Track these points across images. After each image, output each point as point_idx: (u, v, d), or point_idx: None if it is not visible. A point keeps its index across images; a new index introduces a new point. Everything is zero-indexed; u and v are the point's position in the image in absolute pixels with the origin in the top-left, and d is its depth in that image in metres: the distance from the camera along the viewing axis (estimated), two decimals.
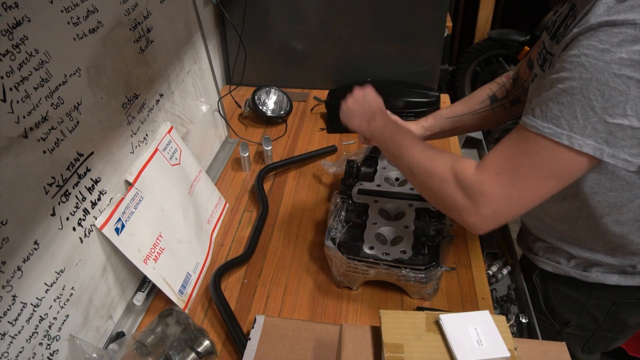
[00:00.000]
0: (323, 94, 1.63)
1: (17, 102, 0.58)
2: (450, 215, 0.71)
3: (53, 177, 0.67)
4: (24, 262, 0.62)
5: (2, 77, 0.56)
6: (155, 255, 0.87)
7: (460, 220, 0.68)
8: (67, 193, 0.70)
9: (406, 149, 0.76)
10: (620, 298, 0.87)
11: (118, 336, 0.84)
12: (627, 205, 0.75)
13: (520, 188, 0.63)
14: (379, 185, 1.06)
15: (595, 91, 0.56)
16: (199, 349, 0.77)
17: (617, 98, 0.55)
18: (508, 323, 0.62)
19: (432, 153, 0.73)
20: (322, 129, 1.48)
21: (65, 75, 0.68)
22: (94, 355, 0.74)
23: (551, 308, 0.97)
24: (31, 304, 0.64)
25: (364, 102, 0.90)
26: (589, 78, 0.56)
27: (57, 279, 0.69)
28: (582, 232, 0.82)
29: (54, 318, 0.69)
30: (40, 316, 0.66)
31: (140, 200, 0.87)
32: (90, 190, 0.75)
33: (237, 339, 0.82)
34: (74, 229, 0.72)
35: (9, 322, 0.60)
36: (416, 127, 1.06)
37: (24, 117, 0.60)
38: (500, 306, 0.98)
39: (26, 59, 0.59)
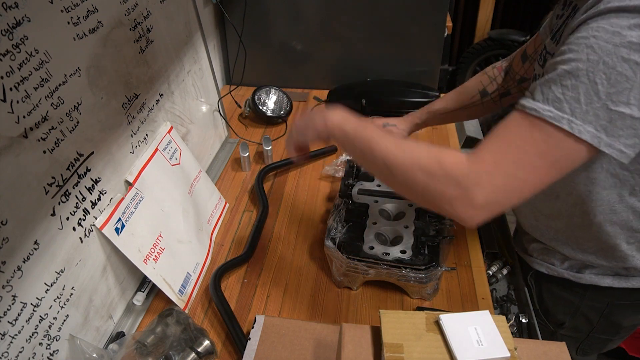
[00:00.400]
0: (323, 94, 1.63)
1: (17, 102, 0.58)
2: (439, 211, 0.64)
3: (53, 177, 0.67)
4: (24, 262, 0.62)
5: (2, 77, 0.56)
6: (155, 255, 0.87)
7: (452, 214, 0.63)
8: (67, 193, 0.70)
9: (376, 144, 0.67)
10: (614, 300, 0.87)
11: (118, 336, 0.84)
12: (618, 204, 0.75)
13: (522, 178, 0.59)
14: (379, 185, 1.06)
15: (602, 74, 0.54)
16: (199, 349, 0.77)
17: (623, 84, 0.53)
18: (508, 323, 0.62)
19: (409, 145, 0.66)
20: None
21: (65, 75, 0.68)
22: (94, 355, 0.74)
23: (545, 309, 0.97)
24: (31, 304, 0.64)
25: (310, 114, 0.79)
26: (596, 60, 0.54)
27: (57, 279, 0.69)
28: (576, 230, 0.82)
29: (54, 318, 0.69)
30: (40, 316, 0.66)
31: (140, 200, 0.87)
32: (90, 190, 0.75)
33: (237, 339, 0.82)
34: (74, 229, 0.72)
35: (9, 322, 0.60)
36: (409, 120, 1.08)
37: (24, 117, 0.60)
38: (500, 306, 0.98)
39: (26, 59, 0.59)
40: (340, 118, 0.73)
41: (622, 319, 0.91)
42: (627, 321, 0.92)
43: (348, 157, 1.23)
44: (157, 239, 0.89)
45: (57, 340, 0.70)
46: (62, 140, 0.67)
